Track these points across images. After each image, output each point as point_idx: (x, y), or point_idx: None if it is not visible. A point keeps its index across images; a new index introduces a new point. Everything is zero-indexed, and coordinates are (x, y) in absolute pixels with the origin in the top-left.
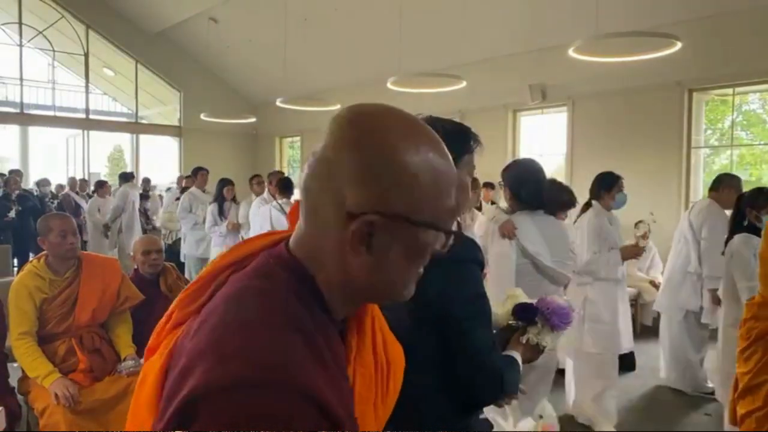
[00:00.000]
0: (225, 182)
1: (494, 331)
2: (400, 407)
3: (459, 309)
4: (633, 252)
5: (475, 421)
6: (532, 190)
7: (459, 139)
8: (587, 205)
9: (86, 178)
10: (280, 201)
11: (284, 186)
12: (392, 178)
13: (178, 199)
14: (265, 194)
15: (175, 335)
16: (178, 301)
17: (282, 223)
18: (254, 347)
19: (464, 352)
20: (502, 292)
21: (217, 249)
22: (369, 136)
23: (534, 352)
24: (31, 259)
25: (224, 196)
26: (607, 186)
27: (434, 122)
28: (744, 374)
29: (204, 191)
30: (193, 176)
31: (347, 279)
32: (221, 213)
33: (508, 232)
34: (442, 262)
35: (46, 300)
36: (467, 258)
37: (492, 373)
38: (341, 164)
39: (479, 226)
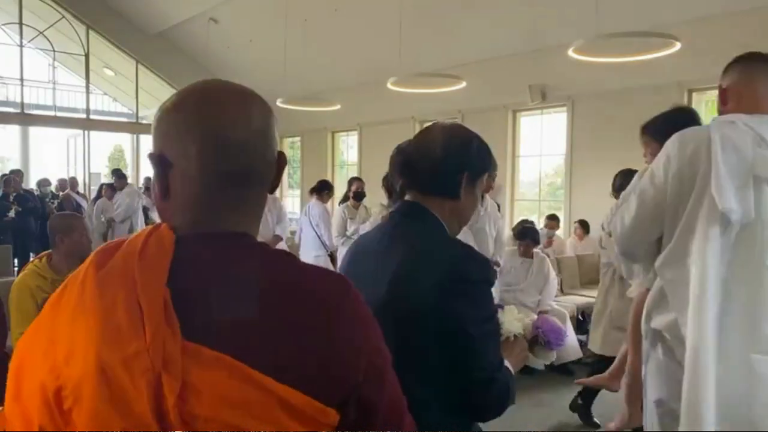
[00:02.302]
0: None
1: None
2: None
3: (475, 328)
4: None
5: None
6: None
7: (487, 157)
8: None
9: (86, 178)
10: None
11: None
12: None
13: None
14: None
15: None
16: (160, 320)
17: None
18: None
19: (477, 370)
20: None
21: None
22: None
23: (515, 352)
24: (32, 258)
25: None
26: None
27: (472, 136)
28: None
29: None
30: None
31: None
32: None
33: None
34: (458, 281)
35: (47, 300)
36: (483, 279)
37: (503, 388)
38: None
39: (373, 219)
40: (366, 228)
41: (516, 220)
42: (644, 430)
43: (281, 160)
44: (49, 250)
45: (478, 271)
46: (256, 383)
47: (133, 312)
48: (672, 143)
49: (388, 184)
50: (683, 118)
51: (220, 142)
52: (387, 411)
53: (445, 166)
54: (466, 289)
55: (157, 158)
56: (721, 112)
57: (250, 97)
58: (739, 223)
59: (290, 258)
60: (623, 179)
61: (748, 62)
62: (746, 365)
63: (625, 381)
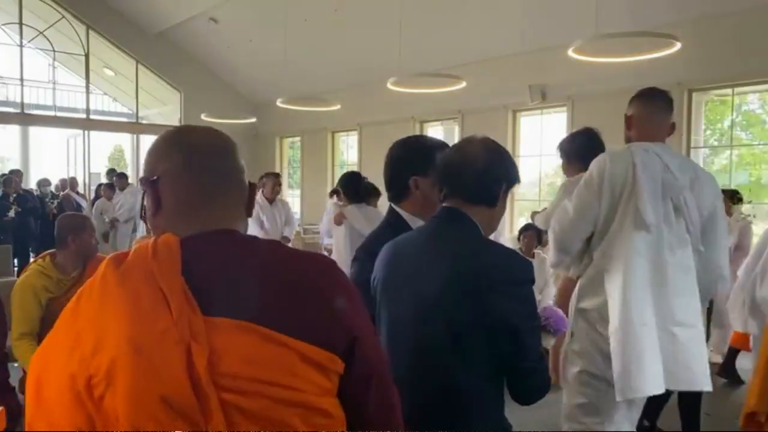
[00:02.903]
0: None
1: None
2: (453, 411)
3: (522, 323)
4: None
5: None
6: (355, 190)
7: (517, 169)
8: None
9: (86, 178)
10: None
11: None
12: None
13: None
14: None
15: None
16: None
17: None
18: None
19: (524, 361)
20: (341, 257)
21: None
22: None
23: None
24: (32, 258)
25: None
26: None
27: (504, 150)
28: None
29: None
30: None
31: None
32: None
33: (338, 219)
34: (506, 281)
35: (53, 299)
36: (527, 278)
37: (545, 376)
38: None
39: (327, 218)
40: (323, 225)
41: (516, 220)
42: (565, 401)
43: (252, 189)
44: (51, 250)
45: (523, 271)
46: (276, 341)
47: (157, 297)
48: (604, 161)
49: (344, 185)
50: (589, 139)
51: (200, 148)
52: (379, 369)
53: (488, 177)
54: (514, 288)
55: (148, 180)
56: (626, 135)
57: (220, 131)
58: (655, 230)
59: (278, 245)
60: None
61: (647, 97)
62: (670, 335)
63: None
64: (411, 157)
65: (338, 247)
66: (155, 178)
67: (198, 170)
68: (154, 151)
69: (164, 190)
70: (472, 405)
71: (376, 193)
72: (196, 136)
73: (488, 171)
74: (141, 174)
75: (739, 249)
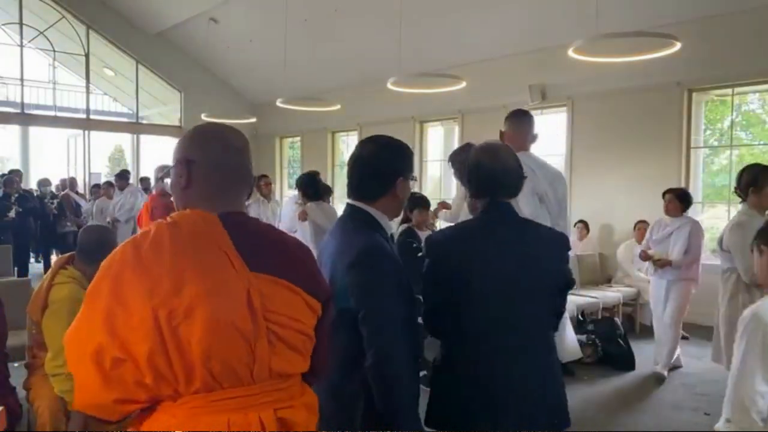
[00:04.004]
0: None
1: None
2: (542, 348)
3: (572, 280)
4: None
5: None
6: (314, 190)
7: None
8: None
9: (87, 178)
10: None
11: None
12: None
13: None
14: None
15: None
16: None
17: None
18: None
19: (563, 307)
20: None
21: None
22: None
23: None
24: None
25: None
26: None
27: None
28: None
29: None
30: None
31: None
32: None
33: (301, 216)
34: (567, 249)
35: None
36: (569, 246)
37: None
38: None
39: (292, 214)
40: (285, 223)
41: None
42: None
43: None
44: (67, 255)
45: (568, 240)
46: (293, 290)
47: (222, 257)
48: None
49: (304, 185)
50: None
51: (230, 145)
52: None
53: (520, 178)
54: (567, 253)
55: (184, 159)
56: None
57: (235, 129)
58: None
59: (272, 226)
60: (751, 176)
61: (518, 116)
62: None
63: None
64: (399, 158)
65: (305, 239)
66: (192, 159)
67: (227, 166)
68: (190, 139)
69: (197, 172)
70: (551, 345)
71: (330, 191)
72: (226, 134)
73: (520, 173)
74: (141, 174)
75: (689, 252)
